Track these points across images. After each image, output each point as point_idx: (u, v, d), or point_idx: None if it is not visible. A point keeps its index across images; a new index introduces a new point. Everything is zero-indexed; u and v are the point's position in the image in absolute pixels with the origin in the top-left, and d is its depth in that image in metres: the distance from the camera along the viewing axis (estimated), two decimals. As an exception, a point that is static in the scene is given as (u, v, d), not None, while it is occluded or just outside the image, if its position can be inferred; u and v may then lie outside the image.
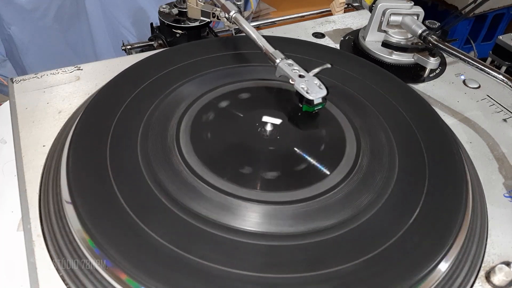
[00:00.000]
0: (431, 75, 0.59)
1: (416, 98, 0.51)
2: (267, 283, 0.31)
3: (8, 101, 0.50)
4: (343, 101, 0.49)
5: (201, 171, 0.39)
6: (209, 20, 0.61)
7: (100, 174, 0.38)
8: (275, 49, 0.47)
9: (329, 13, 0.78)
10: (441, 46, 0.54)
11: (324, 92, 0.43)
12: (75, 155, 0.39)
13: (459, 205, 0.37)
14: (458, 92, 0.57)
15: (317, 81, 0.44)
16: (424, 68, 0.59)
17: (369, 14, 0.62)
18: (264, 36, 0.49)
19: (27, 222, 0.37)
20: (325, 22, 0.72)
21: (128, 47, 0.69)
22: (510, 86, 0.47)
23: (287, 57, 0.46)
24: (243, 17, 0.52)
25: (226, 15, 0.53)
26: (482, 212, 0.40)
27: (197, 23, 0.65)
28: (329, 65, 0.47)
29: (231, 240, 0.33)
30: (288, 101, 0.49)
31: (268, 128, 0.44)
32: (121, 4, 1.01)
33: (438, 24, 0.60)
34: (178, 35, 0.65)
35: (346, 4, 0.76)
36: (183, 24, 0.65)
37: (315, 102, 0.44)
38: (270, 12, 1.17)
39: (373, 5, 0.61)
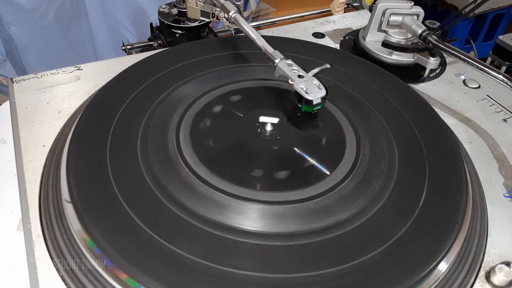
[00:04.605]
0: (431, 75, 0.59)
1: (416, 98, 0.51)
2: (267, 283, 0.31)
3: (8, 101, 0.50)
4: (343, 101, 0.49)
5: (201, 172, 0.39)
6: (208, 20, 0.61)
7: (100, 174, 0.38)
8: (275, 49, 0.47)
9: (329, 13, 0.78)
10: (441, 46, 0.54)
11: (323, 92, 0.43)
12: (75, 155, 0.39)
13: (459, 205, 0.37)
14: (458, 92, 0.57)
15: (316, 81, 0.44)
16: (424, 68, 0.59)
17: (369, 14, 0.62)
18: (263, 36, 0.49)
19: (27, 222, 0.37)
20: (325, 22, 0.72)
21: (128, 47, 0.69)
22: (510, 86, 0.47)
23: (287, 57, 0.46)
24: (243, 17, 0.52)
25: (226, 15, 0.53)
26: (482, 212, 0.40)
27: (196, 23, 0.65)
28: (328, 65, 0.47)
29: (230, 240, 0.33)
30: (288, 101, 0.49)
31: (268, 128, 0.44)
32: (121, 4, 1.02)
33: (438, 24, 0.60)
34: (177, 35, 0.65)
35: (346, 4, 0.76)
36: (183, 24, 0.65)
37: (314, 103, 0.44)
38: (270, 12, 1.18)
39: (373, 5, 0.61)
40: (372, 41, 0.62)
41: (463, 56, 0.53)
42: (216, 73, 0.52)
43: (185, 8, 0.62)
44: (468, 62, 0.52)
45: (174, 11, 0.65)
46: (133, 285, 0.30)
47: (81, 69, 0.55)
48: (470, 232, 0.37)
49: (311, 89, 0.43)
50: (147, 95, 0.47)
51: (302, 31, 0.68)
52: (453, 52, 0.53)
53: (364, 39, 0.62)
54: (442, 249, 0.34)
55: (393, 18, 0.60)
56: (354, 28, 0.70)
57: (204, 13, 0.59)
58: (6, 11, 0.92)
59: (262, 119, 0.45)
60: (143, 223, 0.34)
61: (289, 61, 0.46)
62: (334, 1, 0.75)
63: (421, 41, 0.57)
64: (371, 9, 0.62)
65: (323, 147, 0.44)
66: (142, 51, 0.69)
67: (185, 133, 0.43)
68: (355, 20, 0.73)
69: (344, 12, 0.76)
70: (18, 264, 0.36)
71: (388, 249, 0.34)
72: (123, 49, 0.69)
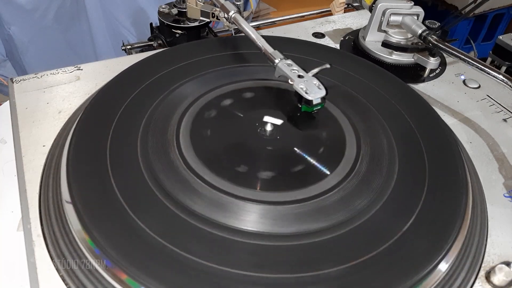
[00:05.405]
0: (431, 75, 0.59)
1: (416, 98, 0.51)
2: (266, 283, 0.31)
3: (8, 101, 0.50)
4: (343, 101, 0.49)
5: (201, 171, 0.39)
6: (208, 20, 0.61)
7: (100, 174, 0.38)
8: (274, 49, 0.47)
9: (329, 13, 0.78)
10: (441, 46, 0.54)
11: (323, 92, 0.43)
12: (75, 156, 0.39)
13: (459, 205, 0.37)
14: (458, 92, 0.57)
15: (316, 82, 0.44)
16: (424, 68, 0.59)
17: (369, 14, 0.62)
18: (263, 36, 0.49)
19: (27, 222, 0.37)
20: (325, 22, 0.72)
21: (128, 47, 0.69)
22: (510, 86, 0.47)
23: (287, 57, 0.46)
24: (243, 17, 0.52)
25: (226, 15, 0.53)
26: (482, 212, 0.40)
27: (196, 23, 0.65)
28: (328, 65, 0.47)
29: (230, 240, 0.33)
30: (288, 101, 0.49)
31: (268, 128, 0.44)
32: (121, 4, 1.02)
33: (438, 24, 0.60)
34: (177, 35, 0.65)
35: (346, 4, 0.76)
36: (183, 24, 0.65)
37: (314, 103, 0.44)
38: (270, 12, 1.18)
39: (373, 5, 0.61)
40: (372, 41, 0.62)
41: (463, 56, 0.53)
42: (216, 73, 0.52)
43: (185, 8, 0.62)
44: (468, 62, 0.52)
45: (174, 11, 0.65)
46: (133, 285, 0.30)
47: (81, 69, 0.55)
48: (470, 232, 0.37)
49: (311, 89, 0.43)
50: (147, 95, 0.47)
51: (302, 31, 0.68)
52: (453, 52, 0.53)
53: (364, 39, 0.62)
54: (442, 249, 0.34)
55: (393, 18, 0.60)
56: (354, 28, 0.70)
57: (204, 13, 0.59)
58: (6, 11, 0.92)
59: (262, 119, 0.45)
60: (143, 223, 0.34)
61: (289, 61, 0.46)
62: (334, 1, 0.75)
63: (421, 41, 0.57)
64: (371, 9, 0.62)
65: (323, 147, 0.44)
66: (142, 51, 0.69)
67: (185, 133, 0.43)
68: (355, 20, 0.73)
69: (344, 12, 0.76)
70: (18, 264, 0.36)
71: (388, 249, 0.34)
72: (123, 49, 0.69)
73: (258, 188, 0.38)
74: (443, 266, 0.33)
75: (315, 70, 0.45)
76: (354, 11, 0.77)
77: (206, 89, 0.49)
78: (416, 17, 0.59)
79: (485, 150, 0.48)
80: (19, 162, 0.42)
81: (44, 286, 0.33)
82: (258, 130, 0.44)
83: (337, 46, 0.65)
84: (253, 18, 1.12)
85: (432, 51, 0.56)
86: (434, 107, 0.50)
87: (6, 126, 0.48)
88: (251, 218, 0.36)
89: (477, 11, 0.98)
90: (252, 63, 0.54)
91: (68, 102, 0.50)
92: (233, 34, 0.67)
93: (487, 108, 0.54)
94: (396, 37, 0.60)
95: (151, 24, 0.70)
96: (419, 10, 0.59)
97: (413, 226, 0.36)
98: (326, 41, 0.66)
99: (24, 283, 0.34)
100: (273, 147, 0.43)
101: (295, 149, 0.43)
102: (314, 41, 0.65)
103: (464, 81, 0.59)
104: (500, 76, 0.48)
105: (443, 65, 0.61)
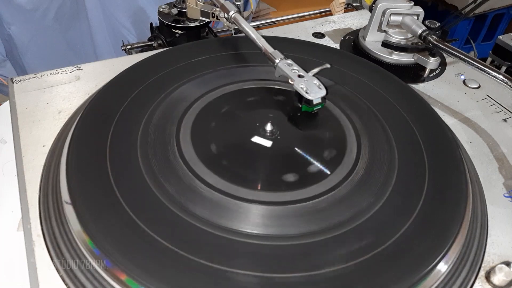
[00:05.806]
0: (431, 75, 0.59)
1: (416, 98, 0.51)
2: (266, 283, 0.31)
3: (8, 101, 0.50)
4: (343, 101, 0.49)
5: (201, 172, 0.39)
6: (208, 20, 0.61)
7: (100, 174, 0.38)
8: (275, 49, 0.47)
9: (329, 13, 0.78)
10: (441, 46, 0.54)
11: (323, 92, 0.43)
12: (75, 155, 0.39)
13: (459, 205, 0.37)
14: (458, 92, 0.57)
15: (316, 81, 0.44)
16: (424, 68, 0.59)
17: (369, 14, 0.62)
18: (263, 36, 0.49)
19: (27, 222, 0.37)
20: (325, 22, 0.72)
21: (128, 47, 0.69)
22: (510, 86, 0.47)
23: (287, 57, 0.46)
24: (243, 17, 0.52)
25: (226, 15, 0.53)
26: (482, 212, 0.40)
27: (196, 23, 0.65)
28: (328, 65, 0.47)
29: (230, 240, 0.33)
30: (288, 101, 0.49)
31: (268, 128, 0.44)
32: (121, 4, 1.02)
33: (438, 24, 0.60)
34: (177, 35, 0.65)
35: (346, 4, 0.76)
36: (183, 24, 0.65)
37: (315, 102, 0.44)
38: (270, 12, 1.18)
39: (373, 5, 0.61)
40: (372, 41, 0.62)
41: (463, 56, 0.53)
42: (216, 73, 0.52)
43: (185, 8, 0.62)
44: (468, 62, 0.52)
45: (174, 11, 0.65)
46: (133, 286, 0.30)
47: (81, 69, 0.55)
48: (470, 232, 0.37)
49: (311, 88, 0.43)
50: (147, 95, 0.47)
51: (302, 31, 0.68)
52: (453, 52, 0.53)
53: (364, 39, 0.62)
54: (442, 249, 0.34)
55: (393, 18, 0.60)
56: (354, 28, 0.70)
57: (204, 13, 0.59)
58: (6, 11, 0.92)
59: (262, 119, 0.45)
60: (143, 224, 0.34)
61: (289, 61, 0.46)
62: (334, 1, 0.75)
63: (421, 41, 0.57)
64: (371, 9, 0.62)
65: (323, 147, 0.44)
66: (142, 51, 0.69)
67: (185, 133, 0.43)
68: (355, 20, 0.73)
69: (344, 12, 0.76)
70: (18, 264, 0.36)
71: (388, 249, 0.33)
72: (123, 49, 0.69)
73: (258, 189, 0.38)
74: (443, 266, 0.33)
75: (315, 70, 0.45)
76: (354, 11, 0.77)
77: (206, 90, 0.49)
78: (416, 17, 0.59)
79: (485, 150, 0.48)
80: (19, 162, 0.42)
81: (44, 286, 0.33)
82: (259, 130, 0.44)
83: (337, 46, 0.65)
84: (253, 18, 1.12)
85: (432, 51, 0.56)
86: (434, 107, 0.50)
87: (6, 126, 0.48)
88: (251, 218, 0.36)
89: (477, 11, 0.98)
90: (252, 63, 0.54)
91: (68, 102, 0.50)
92: (233, 34, 0.67)
93: (487, 108, 0.54)
94: (396, 37, 0.60)
95: (151, 24, 0.70)
96: (419, 10, 0.59)
97: (413, 226, 0.35)
98: (326, 41, 0.66)
99: (24, 283, 0.34)
100: (273, 147, 0.43)
101: (296, 149, 0.43)
102: (314, 41, 0.65)
103: (464, 81, 0.59)
104: (500, 76, 0.48)
105: (443, 65, 0.61)
